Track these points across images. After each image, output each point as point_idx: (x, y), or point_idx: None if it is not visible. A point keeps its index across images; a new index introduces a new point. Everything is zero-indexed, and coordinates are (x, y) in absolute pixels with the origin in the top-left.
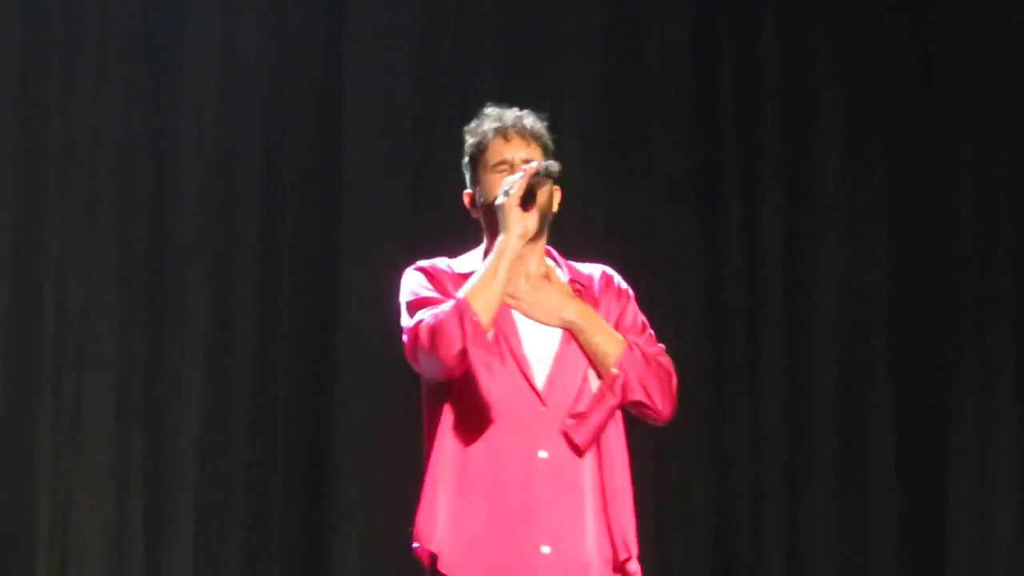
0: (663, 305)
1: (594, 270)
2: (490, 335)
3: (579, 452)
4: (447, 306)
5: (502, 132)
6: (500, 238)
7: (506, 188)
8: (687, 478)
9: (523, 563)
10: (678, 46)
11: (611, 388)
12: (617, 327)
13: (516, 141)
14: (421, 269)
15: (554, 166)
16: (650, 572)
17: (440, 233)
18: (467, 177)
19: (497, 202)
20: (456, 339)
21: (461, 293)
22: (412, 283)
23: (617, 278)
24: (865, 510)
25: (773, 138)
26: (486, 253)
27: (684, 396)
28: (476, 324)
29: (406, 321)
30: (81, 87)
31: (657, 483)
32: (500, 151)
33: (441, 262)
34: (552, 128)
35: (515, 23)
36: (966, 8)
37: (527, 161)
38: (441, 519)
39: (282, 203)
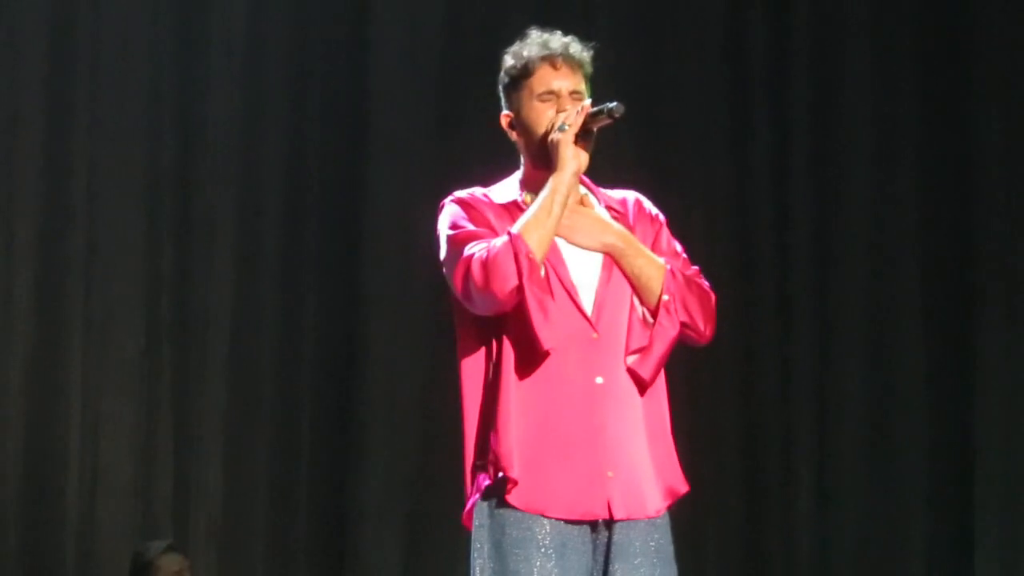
0: (693, 233)
1: (626, 195)
2: (542, 272)
3: (644, 387)
4: (500, 241)
5: (550, 60)
6: (554, 175)
7: (561, 123)
8: (717, 402)
9: (589, 489)
10: None
11: (668, 315)
12: (652, 252)
13: (564, 70)
14: (460, 201)
15: (619, 109)
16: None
17: (466, 158)
18: (504, 98)
19: (553, 138)
20: (511, 275)
21: (515, 229)
22: (453, 215)
23: (648, 203)
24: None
25: (802, 70)
26: (523, 179)
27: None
28: (532, 261)
29: (450, 253)
30: (111, 15)
31: (687, 409)
32: (547, 80)
33: (478, 192)
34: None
35: None
36: None
37: (573, 92)
38: (516, 448)
39: (309, 127)
